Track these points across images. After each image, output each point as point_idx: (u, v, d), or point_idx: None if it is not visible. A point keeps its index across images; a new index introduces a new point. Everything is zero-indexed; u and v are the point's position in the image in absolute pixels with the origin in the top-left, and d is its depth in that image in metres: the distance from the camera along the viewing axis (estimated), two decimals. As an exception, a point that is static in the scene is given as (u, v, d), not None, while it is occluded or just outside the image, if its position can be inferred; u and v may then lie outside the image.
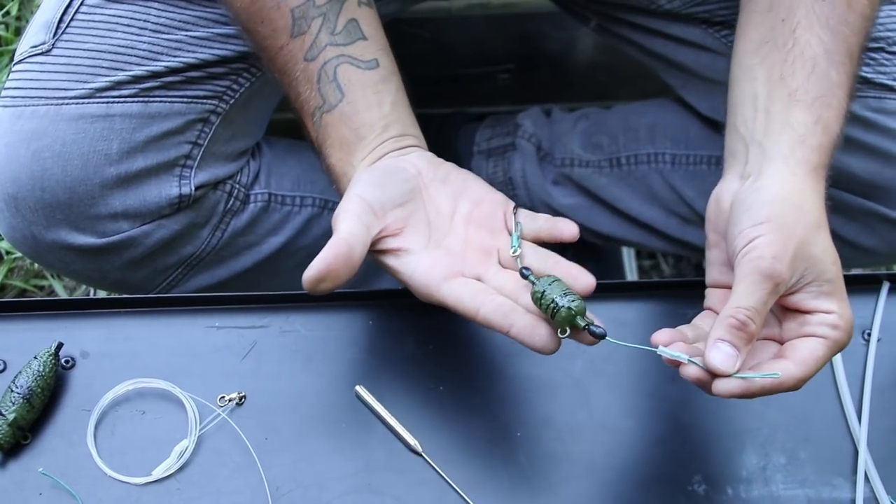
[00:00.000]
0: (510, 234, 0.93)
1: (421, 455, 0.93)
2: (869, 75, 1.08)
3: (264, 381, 0.96)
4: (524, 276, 0.88)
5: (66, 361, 0.95)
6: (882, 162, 1.08)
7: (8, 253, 1.60)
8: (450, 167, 0.96)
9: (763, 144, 0.88)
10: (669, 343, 0.82)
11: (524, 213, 0.94)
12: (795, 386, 0.81)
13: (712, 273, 0.91)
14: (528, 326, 0.83)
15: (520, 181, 1.33)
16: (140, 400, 0.94)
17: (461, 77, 1.38)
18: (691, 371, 0.80)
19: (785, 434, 0.96)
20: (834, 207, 1.10)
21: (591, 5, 1.21)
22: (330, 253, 0.84)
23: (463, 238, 0.92)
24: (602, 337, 0.83)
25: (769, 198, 0.85)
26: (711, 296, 0.90)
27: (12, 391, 0.91)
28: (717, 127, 1.18)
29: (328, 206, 1.18)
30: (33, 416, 0.91)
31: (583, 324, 0.83)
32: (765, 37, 0.92)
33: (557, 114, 1.36)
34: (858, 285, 1.03)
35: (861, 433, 0.96)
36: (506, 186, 1.34)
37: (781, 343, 0.85)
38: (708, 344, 0.80)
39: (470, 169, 1.32)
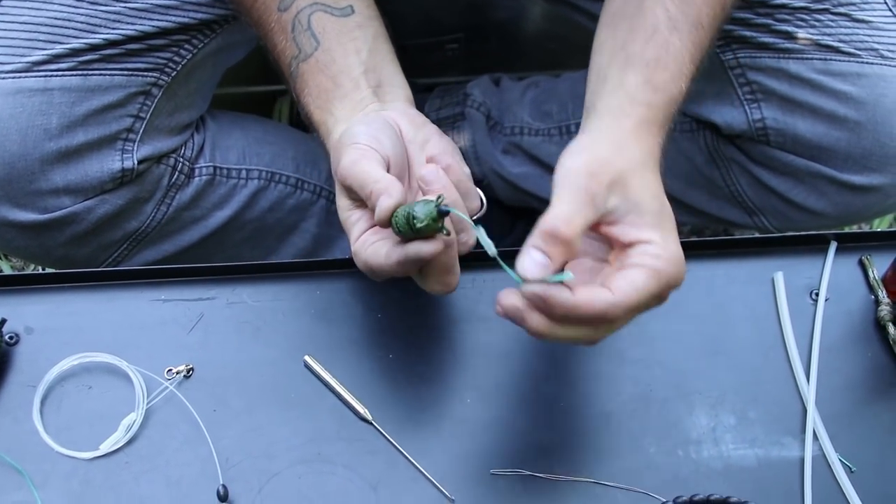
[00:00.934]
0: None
1: (371, 423, 0.93)
2: (814, 36, 1.08)
3: (212, 354, 0.95)
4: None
5: (10, 338, 0.94)
6: (828, 123, 1.08)
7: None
8: (431, 130, 0.93)
9: (597, 106, 0.87)
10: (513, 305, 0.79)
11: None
12: (612, 311, 0.76)
13: None
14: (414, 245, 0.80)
15: (470, 151, 1.33)
16: (86, 375, 0.94)
17: (409, 48, 1.37)
18: (508, 302, 0.79)
19: (734, 395, 0.97)
20: (782, 170, 1.11)
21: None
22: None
23: None
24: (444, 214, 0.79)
25: (585, 141, 0.84)
26: None
27: (-46, 368, 0.90)
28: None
29: (275, 178, 1.17)
30: (-24, 393, 0.90)
31: (444, 210, 0.79)
32: (617, 10, 0.92)
33: (507, 82, 1.35)
34: (806, 245, 1.04)
35: (810, 392, 0.96)
36: (457, 156, 1.34)
37: None
38: (521, 251, 0.76)
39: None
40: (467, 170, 0.91)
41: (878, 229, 1.05)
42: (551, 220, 0.75)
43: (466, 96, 1.34)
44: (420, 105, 1.35)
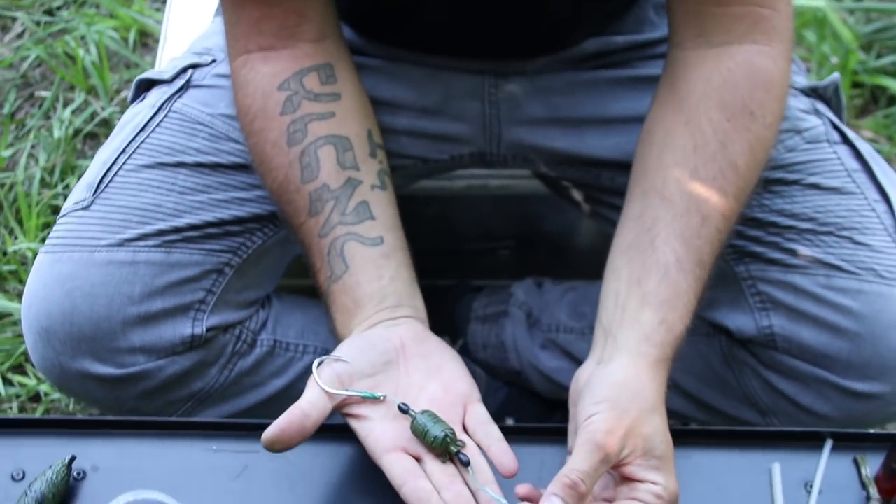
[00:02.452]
0: (464, 431, 1.04)
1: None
2: (819, 255, 1.19)
3: (253, 500, 1.06)
4: (403, 411, 1.01)
5: (78, 473, 1.06)
6: (831, 334, 1.18)
7: (46, 395, 1.73)
8: (434, 344, 1.08)
9: (617, 337, 1.02)
10: (529, 494, 0.96)
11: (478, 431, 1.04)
12: None
13: (571, 441, 1.02)
14: None
15: (510, 344, 1.45)
16: (140, 511, 1.05)
17: (464, 251, 1.51)
18: None
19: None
20: (789, 375, 1.21)
21: (578, 188, 1.35)
22: (285, 420, 0.97)
23: None
24: (466, 464, 0.98)
25: (610, 381, 0.98)
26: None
27: (26, 495, 1.01)
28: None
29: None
30: (44, 520, 1.02)
31: (454, 449, 0.98)
32: (632, 242, 1.06)
33: (548, 285, 1.48)
34: (803, 440, 1.12)
35: (797, 573, 1.03)
36: (498, 349, 1.46)
37: None
38: (544, 497, 0.92)
39: (466, 333, 1.45)
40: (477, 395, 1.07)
41: (871, 431, 1.13)
42: (570, 474, 0.92)
43: (510, 295, 1.47)
44: (469, 302, 1.49)
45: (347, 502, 1.06)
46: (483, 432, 1.02)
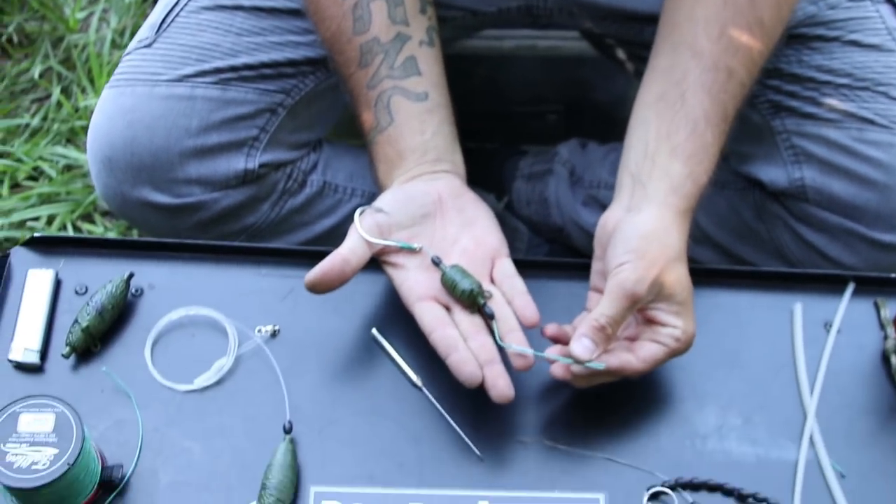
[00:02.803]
0: (492, 282, 1.10)
1: (421, 389, 1.09)
2: (853, 110, 1.22)
3: (297, 320, 1.13)
4: (435, 264, 1.07)
5: (136, 291, 1.14)
6: (861, 185, 1.21)
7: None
8: (469, 198, 1.13)
9: (646, 186, 1.05)
10: (557, 334, 1.05)
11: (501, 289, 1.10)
12: (635, 375, 1.02)
13: (594, 279, 1.08)
14: (459, 361, 1.01)
15: (553, 200, 1.50)
16: (191, 325, 1.12)
17: (513, 114, 1.55)
18: (557, 370, 1.03)
19: (742, 400, 1.09)
20: (819, 227, 1.24)
21: (622, 46, 1.38)
22: (327, 264, 1.04)
23: None
24: (492, 317, 1.05)
25: (641, 232, 1.02)
26: (591, 299, 1.08)
27: (88, 305, 1.09)
28: (724, 157, 1.32)
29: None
30: (103, 328, 1.09)
31: (481, 301, 1.05)
32: (661, 94, 1.09)
33: (592, 145, 1.52)
34: (826, 283, 1.16)
35: (811, 403, 1.08)
36: (541, 206, 1.51)
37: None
38: (574, 336, 1.00)
39: (511, 191, 1.50)
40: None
41: (893, 275, 1.16)
42: (599, 318, 1.00)
43: (555, 154, 1.51)
44: (516, 162, 1.54)
45: (384, 328, 1.13)
46: (508, 285, 1.08)
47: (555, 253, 1.53)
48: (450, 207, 1.10)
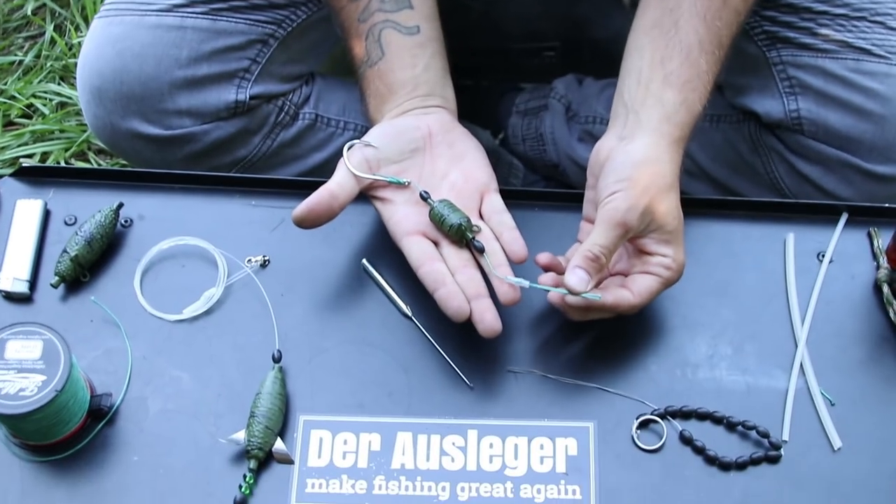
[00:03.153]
0: (480, 217, 1.09)
1: (411, 318, 1.08)
2: (850, 40, 1.20)
3: (287, 250, 1.12)
4: (423, 198, 1.06)
5: (126, 221, 1.13)
6: (857, 117, 1.20)
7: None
8: (459, 133, 1.11)
9: (640, 114, 1.04)
10: (550, 262, 1.03)
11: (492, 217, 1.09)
12: (631, 310, 1.02)
13: (586, 209, 1.08)
14: (447, 295, 1.00)
15: (548, 136, 1.48)
16: (181, 255, 1.12)
17: (510, 51, 1.54)
18: (554, 297, 1.03)
19: (734, 330, 1.08)
20: (815, 159, 1.23)
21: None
22: (314, 199, 1.03)
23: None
24: (481, 251, 1.04)
25: (633, 160, 1.01)
26: (583, 230, 1.08)
27: (77, 235, 1.09)
28: (719, 89, 1.31)
29: (368, 133, 1.36)
30: (92, 258, 1.09)
31: (469, 236, 1.04)
32: (655, 21, 1.08)
33: (588, 81, 1.50)
34: (820, 213, 1.15)
35: (802, 332, 1.07)
36: (536, 141, 1.49)
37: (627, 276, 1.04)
38: (567, 268, 0.99)
39: (506, 128, 1.49)
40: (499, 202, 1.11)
41: (887, 205, 1.15)
42: (592, 248, 0.99)
43: (551, 90, 1.50)
44: (512, 98, 1.52)
45: (374, 259, 1.12)
46: (497, 220, 1.07)
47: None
48: (439, 142, 1.09)
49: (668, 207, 1.01)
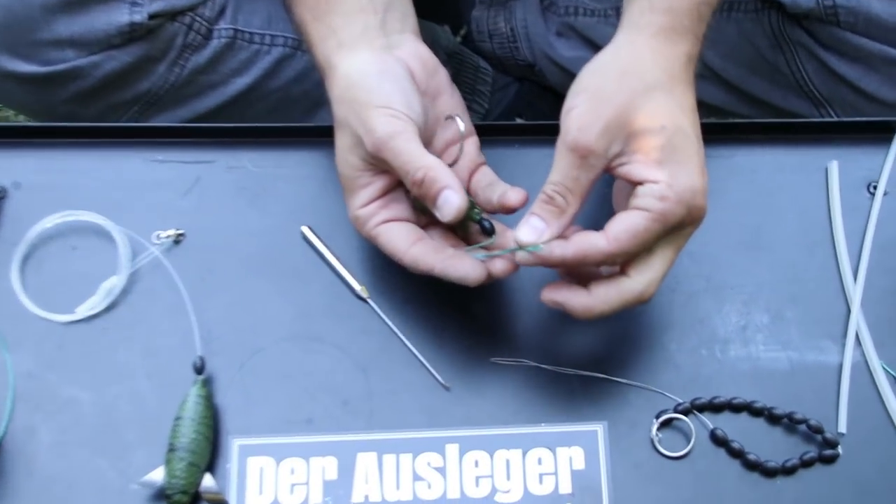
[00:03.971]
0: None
1: (366, 301, 0.86)
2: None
3: (205, 220, 0.90)
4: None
5: (-2, 192, 0.90)
6: (907, 2, 0.97)
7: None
8: (441, 79, 0.86)
9: (623, 11, 0.81)
10: (521, 203, 0.81)
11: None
12: (606, 260, 0.76)
13: None
14: (454, 259, 0.79)
15: (521, 31, 1.23)
16: (72, 234, 0.89)
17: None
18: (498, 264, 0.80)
19: (770, 292, 0.87)
20: (853, 55, 1.01)
21: None
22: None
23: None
24: (491, 232, 0.80)
25: (594, 67, 0.78)
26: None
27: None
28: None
29: (302, 47, 1.10)
30: (-48, 245, 0.86)
31: (476, 217, 0.80)
32: None
33: (568, -41, 1.25)
34: (867, 133, 0.94)
35: (856, 293, 0.86)
36: (507, 38, 1.25)
37: None
38: (523, 219, 0.77)
39: (469, 22, 1.24)
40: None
41: (952, 117, 0.94)
42: (547, 188, 0.76)
43: (522, -28, 1.24)
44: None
45: (318, 214, 0.90)
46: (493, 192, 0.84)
47: (525, 93, 1.28)
48: (424, 91, 0.84)
49: (653, 115, 0.76)
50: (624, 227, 0.74)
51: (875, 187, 0.91)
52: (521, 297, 0.87)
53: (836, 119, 0.94)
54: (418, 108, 0.80)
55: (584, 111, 0.75)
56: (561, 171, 0.75)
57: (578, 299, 0.76)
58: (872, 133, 0.93)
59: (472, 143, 0.85)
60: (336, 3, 0.83)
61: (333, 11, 0.83)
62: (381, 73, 0.80)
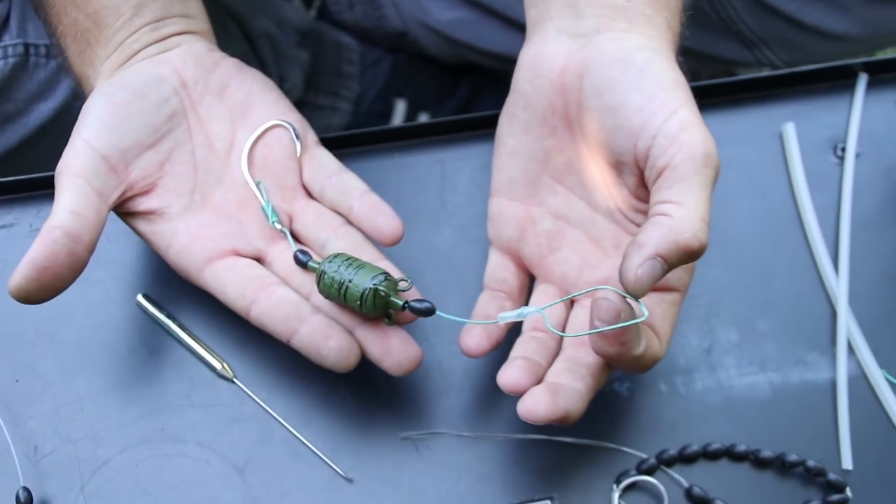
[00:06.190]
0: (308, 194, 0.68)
1: (233, 381, 0.67)
2: None
3: (9, 302, 0.69)
4: (301, 264, 0.64)
5: None
6: None
7: None
8: (230, 67, 0.69)
9: None
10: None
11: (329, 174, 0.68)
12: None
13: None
14: (316, 332, 0.62)
15: (387, -4, 1.04)
16: None
17: None
18: None
19: (735, 300, 0.71)
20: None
21: None
22: (41, 250, 0.58)
23: (242, 189, 0.67)
24: (431, 312, 0.61)
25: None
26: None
27: None
28: None
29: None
30: None
31: (400, 302, 0.61)
32: None
33: None
34: (825, 82, 0.77)
35: (839, 287, 0.69)
36: (371, 5, 1.05)
37: None
38: (632, 265, 0.54)
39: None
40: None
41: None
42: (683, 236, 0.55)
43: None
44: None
45: (154, 279, 0.70)
46: (336, 188, 0.67)
47: (402, 67, 1.09)
48: (202, 92, 0.67)
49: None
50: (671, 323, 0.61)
51: (843, 149, 0.74)
52: (427, 352, 0.68)
53: (784, 71, 0.76)
54: (125, 118, 0.64)
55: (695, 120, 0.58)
56: (703, 204, 0.56)
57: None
58: (830, 82, 0.76)
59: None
60: (95, 31, 0.66)
61: (95, 42, 0.67)
62: (101, 95, 0.65)
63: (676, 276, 0.60)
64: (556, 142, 0.64)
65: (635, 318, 0.54)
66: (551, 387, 0.58)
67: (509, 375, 0.59)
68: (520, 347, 0.63)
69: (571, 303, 0.65)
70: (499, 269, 0.67)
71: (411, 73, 1.09)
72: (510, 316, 0.58)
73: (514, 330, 0.64)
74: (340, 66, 1.07)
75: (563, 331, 0.63)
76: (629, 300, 0.54)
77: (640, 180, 0.60)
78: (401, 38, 1.06)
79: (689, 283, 0.61)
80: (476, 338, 0.63)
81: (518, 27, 1.00)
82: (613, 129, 0.59)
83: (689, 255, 0.54)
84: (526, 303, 0.66)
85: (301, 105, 0.70)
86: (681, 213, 0.54)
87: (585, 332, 0.57)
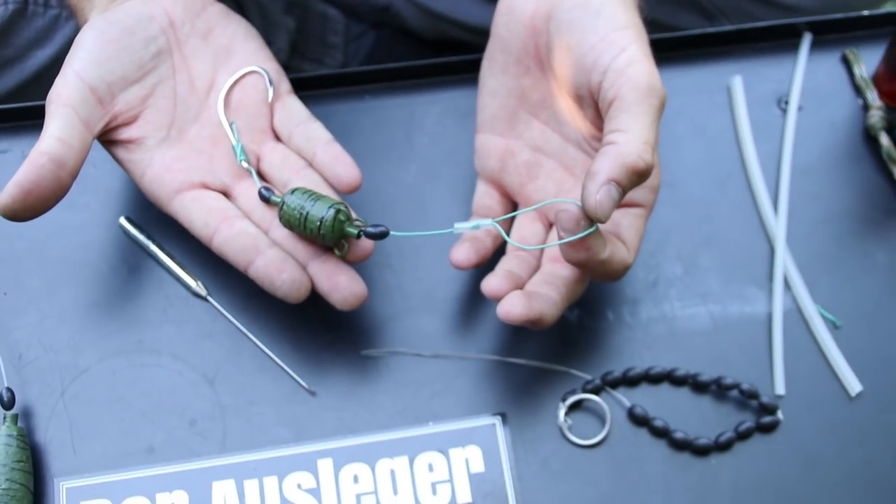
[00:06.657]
0: (276, 138, 0.72)
1: (206, 299, 0.72)
2: None
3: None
4: (264, 199, 0.68)
5: None
6: None
7: None
8: (216, 13, 0.73)
9: None
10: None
11: (294, 120, 0.72)
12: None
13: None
14: (270, 266, 0.66)
15: (368, -33, 1.09)
16: None
17: None
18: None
19: (680, 238, 0.75)
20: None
21: None
22: (28, 174, 0.62)
23: (216, 127, 0.71)
24: (385, 235, 0.64)
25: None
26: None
27: None
28: None
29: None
30: None
31: (355, 231, 0.65)
32: None
33: None
34: (771, 40, 0.81)
35: (778, 228, 0.74)
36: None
37: None
38: (594, 182, 0.59)
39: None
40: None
41: (865, 13, 0.81)
42: (643, 153, 0.60)
43: None
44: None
45: (136, 203, 0.74)
46: (303, 135, 0.71)
47: (384, 41, 1.13)
48: (188, 34, 0.71)
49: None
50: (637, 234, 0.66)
51: (787, 102, 0.78)
52: (388, 276, 0.73)
53: (733, 27, 0.81)
54: (114, 54, 0.67)
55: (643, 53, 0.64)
56: (650, 128, 0.61)
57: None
58: (777, 40, 0.80)
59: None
60: None
61: None
62: (93, 29, 0.69)
63: (640, 194, 0.65)
64: (530, 80, 0.69)
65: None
66: (528, 293, 0.64)
67: (492, 282, 0.65)
68: (504, 263, 0.69)
69: (550, 225, 0.70)
70: (484, 197, 0.72)
71: (393, 46, 1.13)
72: (465, 226, 0.63)
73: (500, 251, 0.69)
74: (325, 35, 1.11)
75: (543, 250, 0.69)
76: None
77: (597, 112, 0.65)
78: (384, 13, 1.11)
79: (653, 201, 0.66)
80: (465, 252, 0.68)
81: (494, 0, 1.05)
82: (573, 65, 0.64)
83: (639, 176, 0.58)
84: (509, 229, 0.71)
85: (286, 70, 0.74)
86: (625, 139, 0.59)
87: (548, 245, 0.63)
